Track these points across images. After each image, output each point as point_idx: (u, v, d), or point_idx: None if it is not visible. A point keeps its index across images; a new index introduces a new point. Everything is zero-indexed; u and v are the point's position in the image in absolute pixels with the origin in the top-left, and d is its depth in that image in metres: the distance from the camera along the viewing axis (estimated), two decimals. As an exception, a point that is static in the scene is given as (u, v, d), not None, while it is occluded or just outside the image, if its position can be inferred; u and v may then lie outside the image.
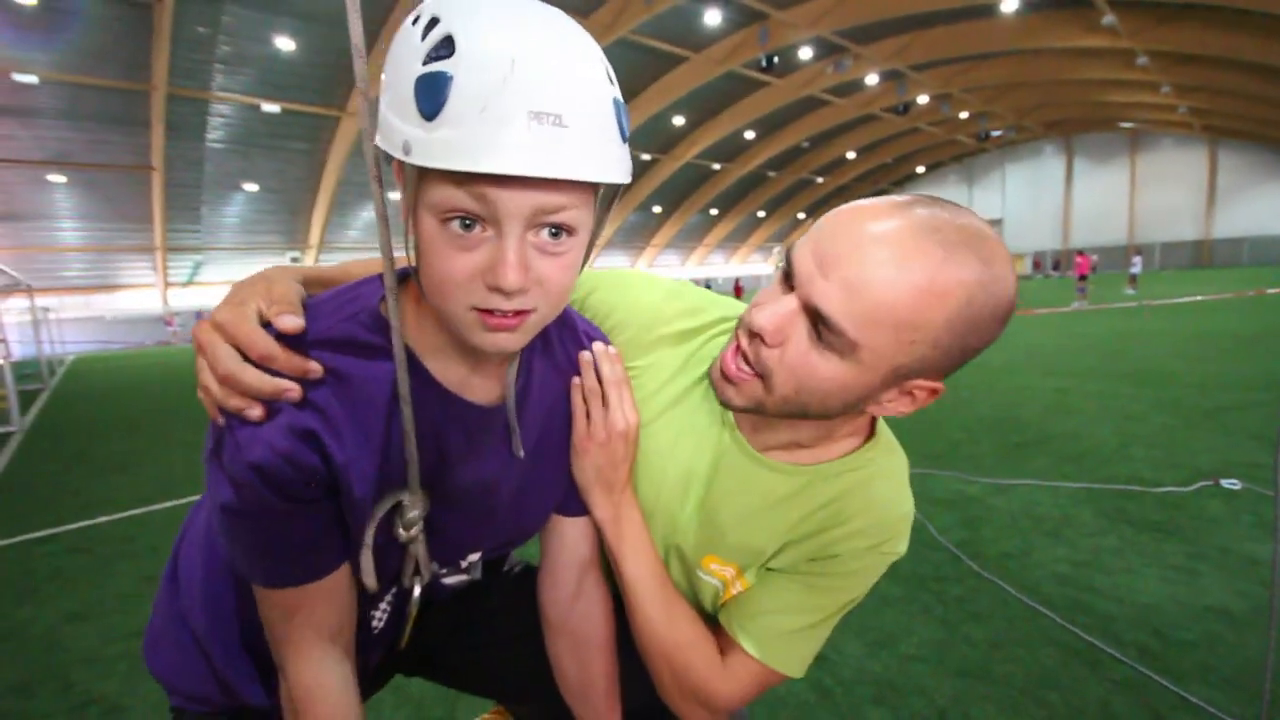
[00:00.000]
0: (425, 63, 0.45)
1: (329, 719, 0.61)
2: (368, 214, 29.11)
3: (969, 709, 1.70)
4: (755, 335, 0.64)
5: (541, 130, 0.44)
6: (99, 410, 8.44)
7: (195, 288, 28.15)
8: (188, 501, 3.94)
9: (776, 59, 21.09)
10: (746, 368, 0.66)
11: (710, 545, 0.78)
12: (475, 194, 0.47)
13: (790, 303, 0.61)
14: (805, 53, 22.32)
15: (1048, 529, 2.76)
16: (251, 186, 24.89)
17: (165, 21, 16.53)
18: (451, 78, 0.44)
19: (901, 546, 0.74)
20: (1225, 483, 3.09)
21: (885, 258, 0.56)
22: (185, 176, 23.16)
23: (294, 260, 28.85)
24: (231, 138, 22.50)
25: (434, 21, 0.47)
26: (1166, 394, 5.16)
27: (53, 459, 5.49)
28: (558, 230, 0.50)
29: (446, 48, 0.45)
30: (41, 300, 17.04)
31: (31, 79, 16.98)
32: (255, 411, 0.53)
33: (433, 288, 0.52)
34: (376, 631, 0.76)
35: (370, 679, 0.86)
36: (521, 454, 0.68)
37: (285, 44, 18.25)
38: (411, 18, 0.49)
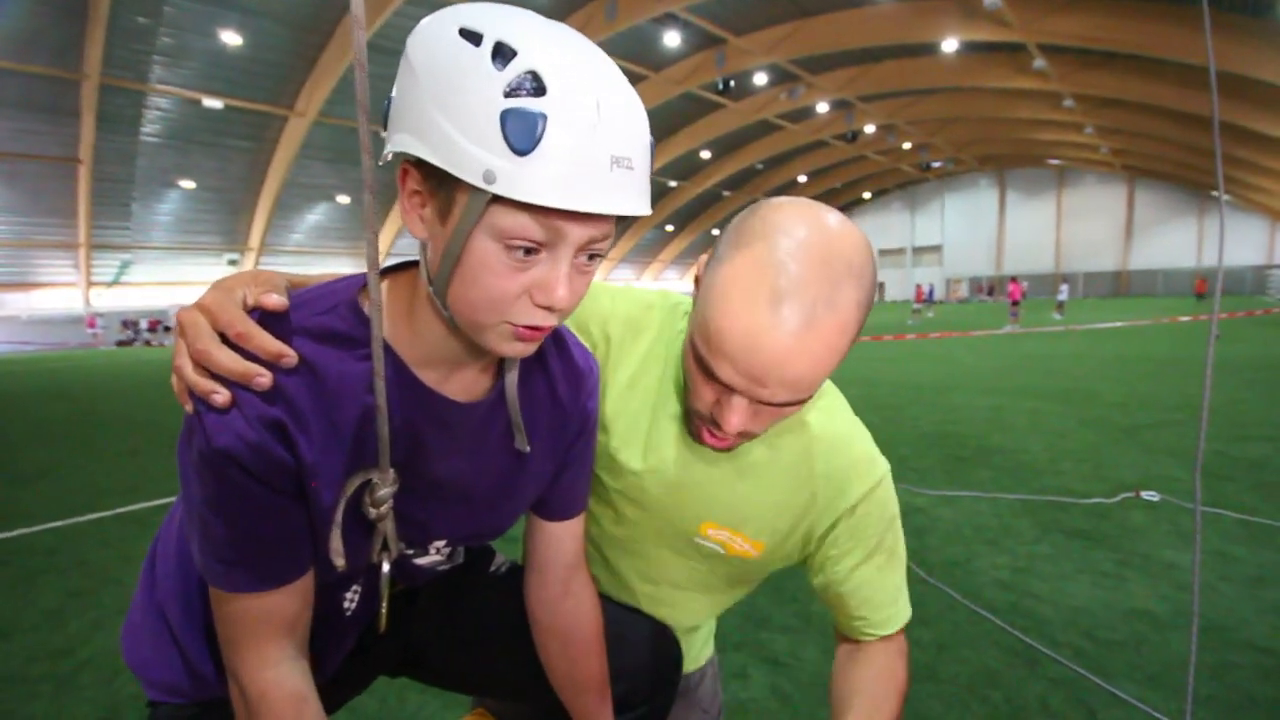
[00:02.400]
0: (509, 95, 0.47)
1: (284, 717, 0.60)
2: (313, 217, 28.22)
3: (918, 707, 1.77)
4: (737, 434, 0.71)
5: (620, 173, 0.50)
6: (12, 415, 7.86)
7: (121, 288, 26.60)
8: (116, 513, 3.72)
9: (733, 83, 21.69)
10: (727, 441, 0.73)
11: (702, 515, 0.85)
12: (549, 226, 0.50)
13: (742, 401, 0.67)
14: (760, 78, 23.00)
15: (988, 538, 2.91)
16: (188, 184, 23.80)
17: (102, 9, 15.78)
18: (546, 117, 0.46)
19: (882, 465, 0.86)
20: (1145, 495, 3.32)
21: (803, 357, 0.62)
22: (116, 171, 21.97)
23: (231, 263, 27.65)
24: (169, 132, 21.51)
25: (503, 48, 0.48)
26: (1091, 412, 5.50)
27: (-39, 467, 5.09)
28: (593, 254, 0.55)
29: (533, 83, 0.47)
30: (-52, 297, 15.82)
31: (-53, 61, 15.89)
32: (220, 397, 0.53)
33: (472, 305, 0.54)
34: (349, 614, 0.75)
35: (352, 675, 0.85)
36: (527, 449, 0.70)
37: (231, 38, 17.63)
38: (457, 29, 0.49)
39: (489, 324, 0.54)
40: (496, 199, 0.48)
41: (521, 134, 0.46)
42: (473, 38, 0.49)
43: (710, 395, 0.69)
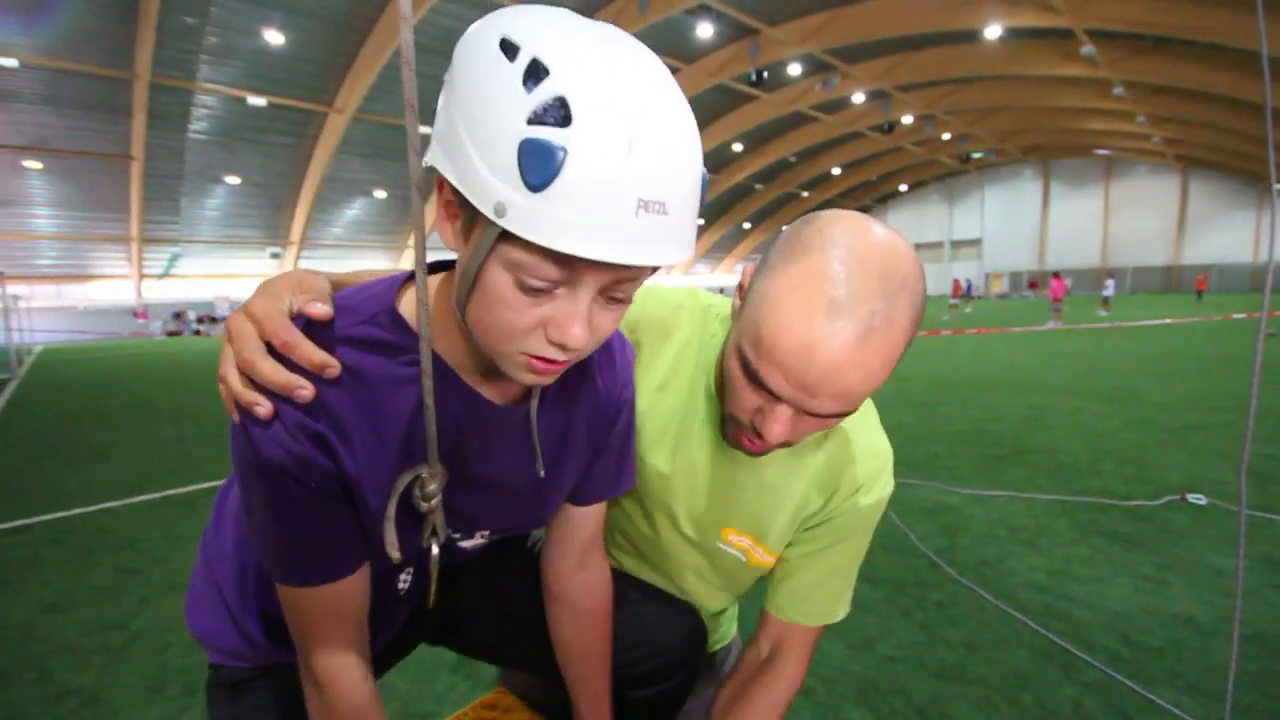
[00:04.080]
0: (532, 122, 0.43)
1: (350, 696, 0.65)
2: (352, 212, 28.82)
3: (946, 708, 1.75)
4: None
5: (647, 219, 0.45)
6: (70, 401, 8.25)
7: (171, 280, 27.61)
8: (165, 495, 3.88)
9: (766, 74, 21.40)
10: (766, 445, 0.72)
11: (725, 520, 0.86)
12: (565, 266, 0.47)
13: (787, 411, 0.67)
14: (794, 69, 22.66)
15: (1023, 538, 2.84)
16: (234, 180, 24.54)
17: (152, 9, 16.31)
18: (567, 153, 0.42)
19: (891, 486, 0.85)
20: (1192, 498, 3.20)
21: (860, 369, 0.61)
22: (165, 167, 22.77)
23: (274, 256, 28.45)
24: (215, 129, 22.20)
25: (537, 67, 0.44)
26: (1136, 412, 5.32)
27: (23, 449, 5.37)
28: (620, 293, 0.52)
29: (559, 111, 0.43)
30: (12, 288, 16.62)
31: (11, 62, 16.64)
32: (263, 409, 0.53)
33: (485, 331, 0.52)
34: (403, 593, 0.80)
35: (398, 643, 0.89)
36: (542, 474, 0.70)
37: (274, 37, 18.08)
38: (498, 39, 0.45)
39: (502, 351, 0.53)
40: (509, 233, 0.46)
41: (536, 168, 0.42)
42: (510, 50, 0.45)
43: (753, 403, 0.69)
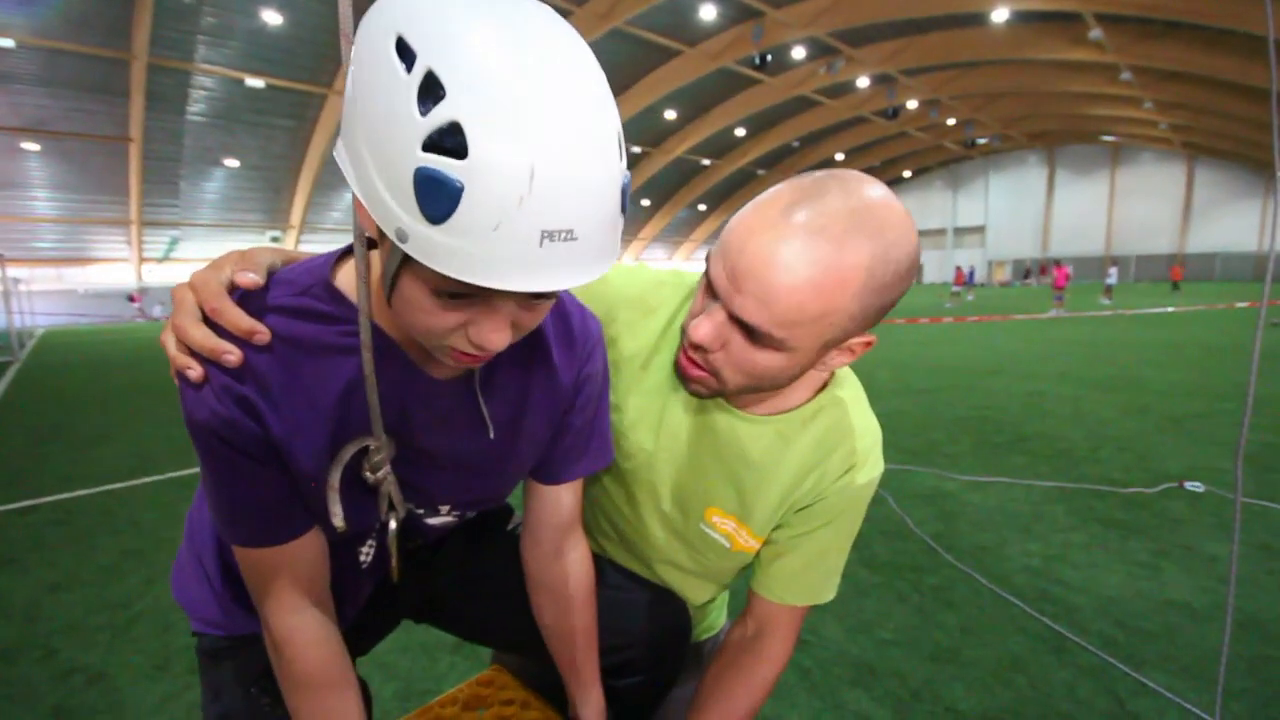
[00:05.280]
0: (428, 148, 0.40)
1: (307, 656, 0.66)
2: (351, 195, 28.69)
3: (940, 690, 1.77)
4: (697, 346, 0.70)
5: (554, 248, 0.43)
6: (72, 384, 8.28)
7: (171, 263, 27.54)
8: (168, 477, 3.90)
9: (770, 57, 21.14)
10: (699, 369, 0.73)
11: (708, 499, 0.85)
12: (472, 288, 0.46)
13: (719, 313, 0.67)
14: (798, 52, 22.40)
15: (1020, 524, 2.85)
16: (233, 162, 24.39)
17: (149, -11, 16.14)
18: (463, 188, 0.40)
19: (881, 466, 0.85)
20: (1189, 485, 3.21)
21: (784, 269, 0.61)
22: (164, 149, 22.63)
23: (274, 240, 28.35)
24: (214, 111, 22.01)
25: (433, 83, 0.40)
26: (1137, 400, 5.32)
27: (26, 431, 5.39)
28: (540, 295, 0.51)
29: (455, 141, 0.39)
30: (12, 271, 16.59)
31: (8, 43, 16.47)
32: (194, 372, 0.55)
33: (409, 326, 0.53)
34: (365, 566, 0.80)
35: (379, 619, 0.90)
36: (492, 435, 0.70)
37: (272, 18, 17.86)
38: (394, 36, 0.41)
39: (427, 343, 0.55)
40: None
41: (433, 202, 0.41)
42: (406, 55, 0.41)
43: (699, 307, 0.70)
